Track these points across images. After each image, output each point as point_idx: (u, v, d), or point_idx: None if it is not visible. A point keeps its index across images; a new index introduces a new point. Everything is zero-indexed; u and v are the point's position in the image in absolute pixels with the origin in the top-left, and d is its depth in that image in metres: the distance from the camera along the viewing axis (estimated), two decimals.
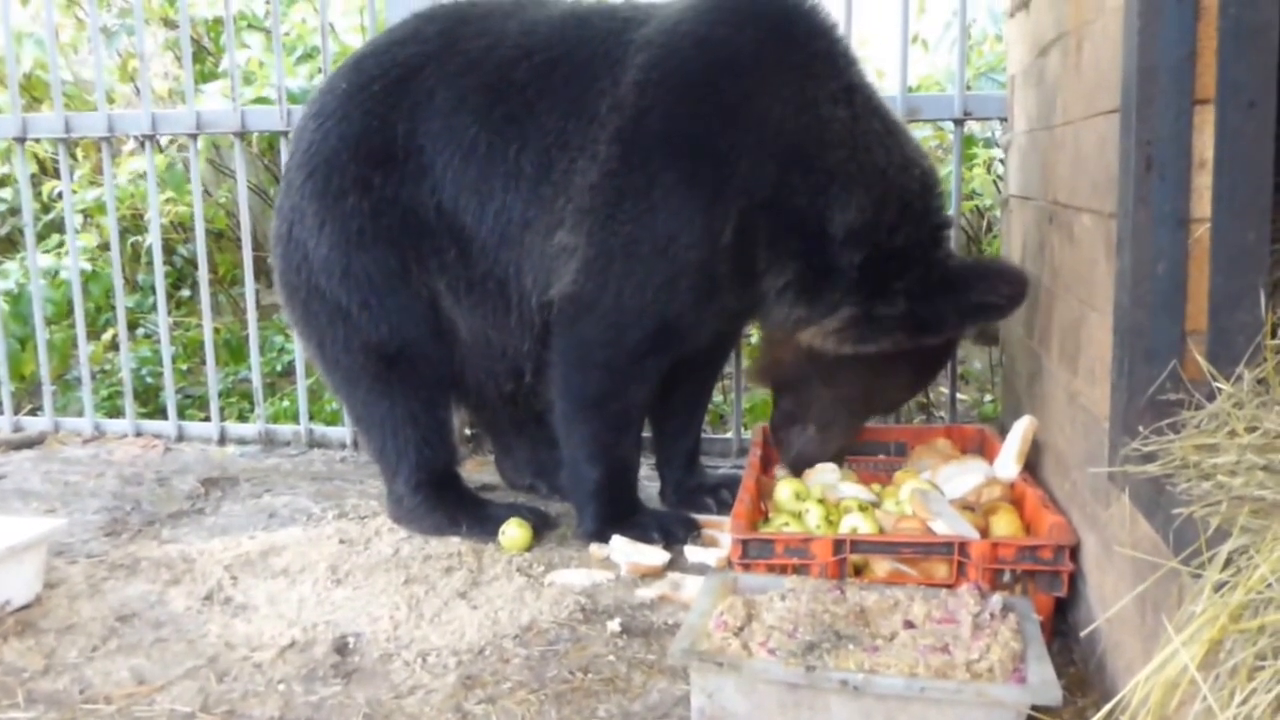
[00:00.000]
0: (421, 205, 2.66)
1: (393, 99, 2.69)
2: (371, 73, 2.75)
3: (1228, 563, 1.21)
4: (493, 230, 2.62)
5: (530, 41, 2.65)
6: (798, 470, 2.71)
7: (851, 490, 2.55)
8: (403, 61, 2.72)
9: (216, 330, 4.17)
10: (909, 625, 1.86)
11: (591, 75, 2.57)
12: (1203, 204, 1.62)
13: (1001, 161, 3.80)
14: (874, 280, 2.48)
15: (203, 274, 3.79)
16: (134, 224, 4.79)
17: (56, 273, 4.41)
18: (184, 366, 4.58)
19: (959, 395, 3.57)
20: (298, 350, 3.65)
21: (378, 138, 2.68)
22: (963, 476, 2.49)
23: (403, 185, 2.67)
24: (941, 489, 2.46)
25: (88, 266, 4.36)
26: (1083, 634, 1.99)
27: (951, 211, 3.32)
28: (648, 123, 2.50)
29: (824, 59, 2.54)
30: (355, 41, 4.29)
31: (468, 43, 2.70)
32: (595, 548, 2.64)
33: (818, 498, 2.49)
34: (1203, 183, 1.61)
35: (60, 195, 4.08)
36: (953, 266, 2.54)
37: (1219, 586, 1.19)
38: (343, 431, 3.69)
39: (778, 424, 2.81)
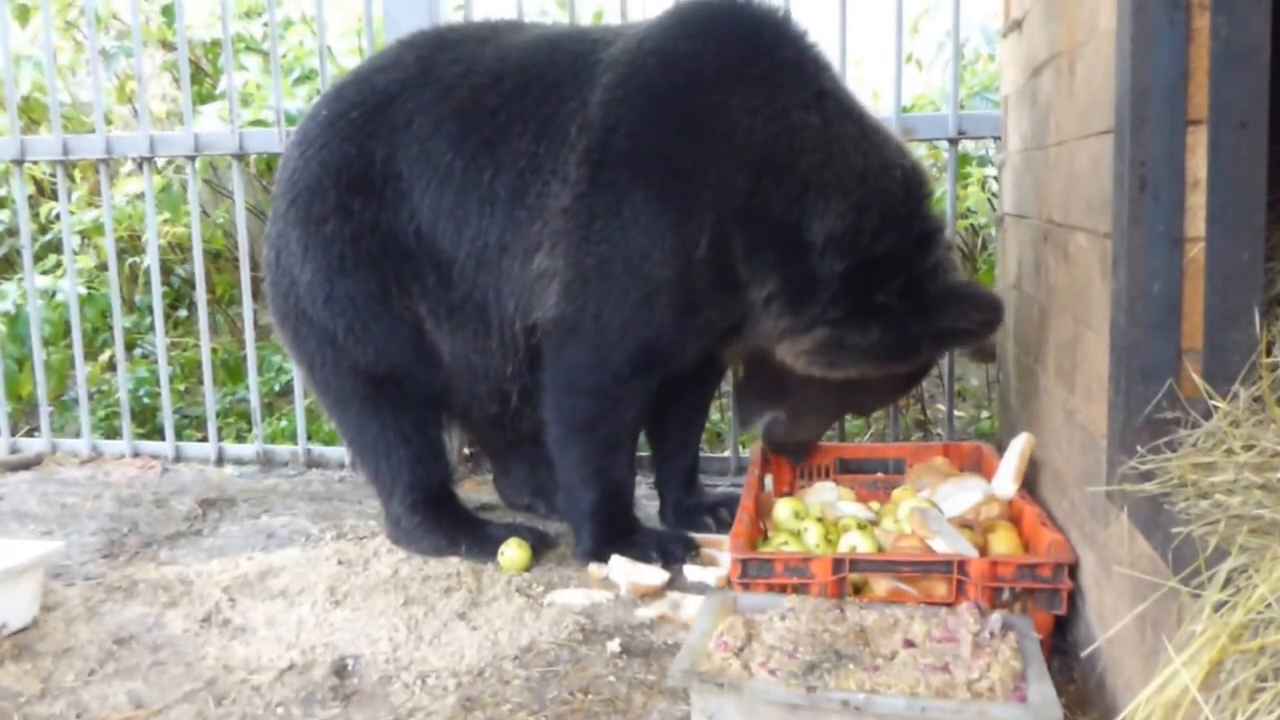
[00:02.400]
0: (400, 230, 2.68)
1: (371, 125, 2.71)
2: (351, 100, 2.77)
3: (1227, 582, 1.21)
4: (470, 255, 2.64)
5: (503, 66, 2.67)
6: (780, 451, 2.86)
7: (850, 509, 2.56)
8: (381, 88, 2.75)
9: (214, 350, 4.17)
10: (909, 644, 1.86)
11: (561, 98, 2.59)
12: (1197, 223, 1.63)
13: (996, 180, 3.83)
14: (857, 290, 2.48)
15: (200, 294, 3.79)
16: (132, 245, 4.79)
17: (54, 294, 4.42)
18: (181, 387, 4.57)
19: (956, 412, 3.58)
20: (295, 370, 3.65)
21: (357, 164, 2.70)
22: (961, 494, 2.49)
23: (382, 211, 2.69)
24: (940, 507, 2.46)
25: (85, 289, 4.36)
26: (1083, 654, 1.99)
27: (948, 231, 3.33)
28: (614, 142, 2.51)
29: (792, 67, 2.54)
30: (352, 64, 4.31)
31: (444, 69, 2.72)
32: (594, 567, 2.64)
33: (816, 516, 2.50)
34: (1197, 202, 1.63)
35: (58, 216, 4.09)
36: (929, 290, 2.52)
37: (1219, 606, 1.19)
38: (341, 452, 3.68)
39: (742, 391, 2.89)
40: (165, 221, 4.59)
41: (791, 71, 2.53)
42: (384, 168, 2.69)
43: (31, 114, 4.85)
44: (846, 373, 2.57)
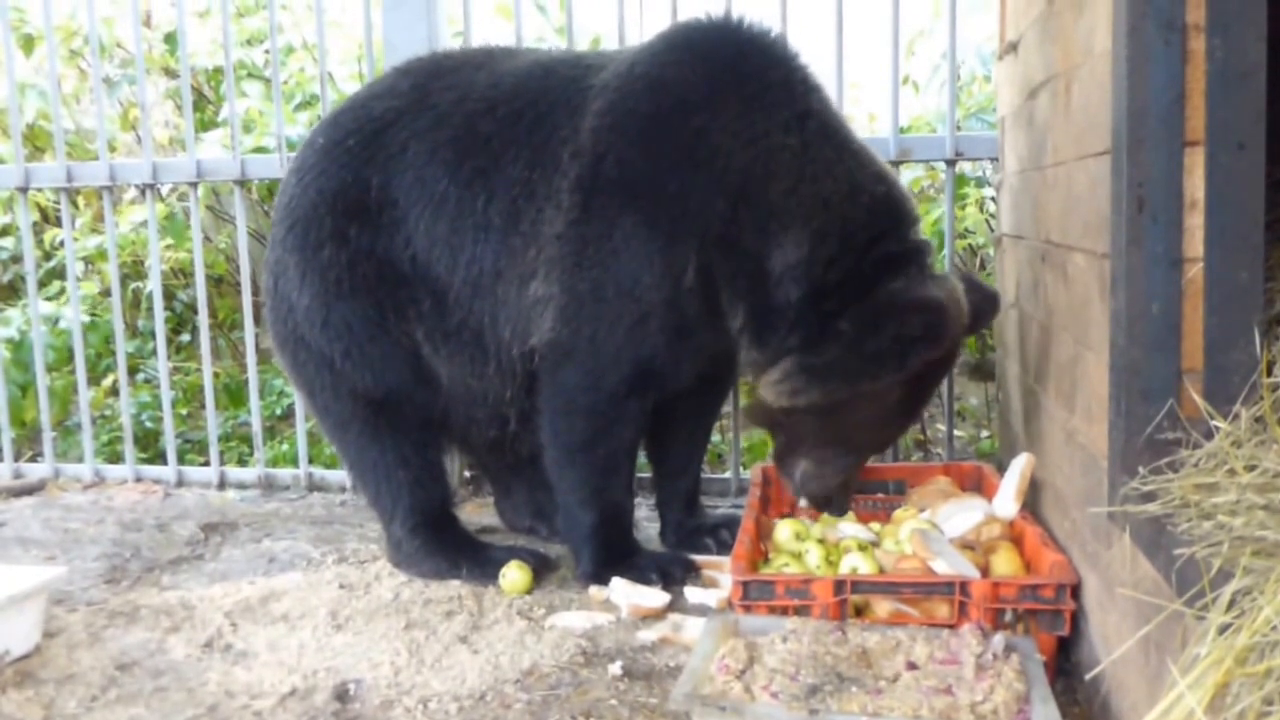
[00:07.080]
0: (396, 257, 2.69)
1: (367, 152, 2.73)
2: (348, 127, 2.79)
3: (1231, 604, 1.21)
4: (465, 281, 2.65)
5: (496, 93, 2.69)
6: (817, 506, 2.68)
7: (851, 530, 2.55)
8: (377, 116, 2.76)
9: (216, 375, 4.17)
10: (911, 666, 1.85)
11: (554, 124, 2.60)
12: (1195, 244, 1.64)
13: (993, 200, 3.84)
14: (815, 318, 2.40)
15: (203, 319, 3.80)
16: (135, 271, 4.81)
17: (58, 320, 4.42)
18: (184, 411, 4.58)
19: (956, 432, 3.58)
20: (296, 394, 3.65)
21: (353, 191, 2.72)
22: (962, 515, 2.48)
23: (378, 237, 2.70)
24: (941, 528, 2.45)
25: (88, 315, 4.37)
26: (1087, 676, 1.98)
27: (945, 251, 3.34)
28: (605, 168, 2.51)
29: (779, 88, 2.51)
30: (353, 89, 4.34)
31: (438, 96, 2.74)
32: (595, 590, 2.63)
33: (817, 538, 2.49)
34: (1195, 223, 1.64)
35: (62, 243, 4.11)
36: (872, 305, 2.36)
37: (1223, 629, 1.19)
38: (342, 475, 3.68)
39: (778, 456, 2.73)
40: (168, 247, 4.60)
41: (778, 93, 2.50)
42: (380, 194, 2.70)
43: (36, 142, 4.88)
44: (810, 398, 2.43)
